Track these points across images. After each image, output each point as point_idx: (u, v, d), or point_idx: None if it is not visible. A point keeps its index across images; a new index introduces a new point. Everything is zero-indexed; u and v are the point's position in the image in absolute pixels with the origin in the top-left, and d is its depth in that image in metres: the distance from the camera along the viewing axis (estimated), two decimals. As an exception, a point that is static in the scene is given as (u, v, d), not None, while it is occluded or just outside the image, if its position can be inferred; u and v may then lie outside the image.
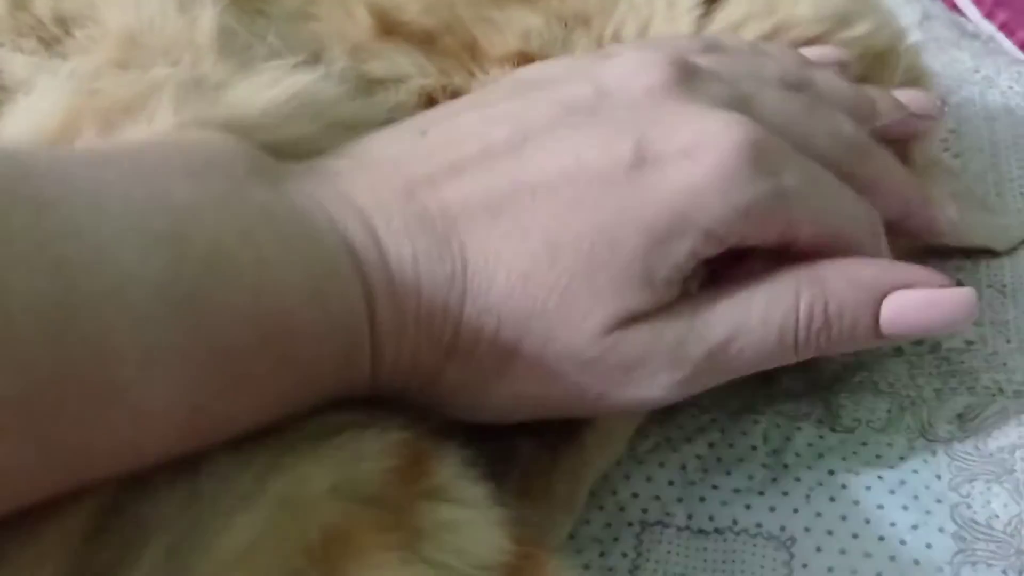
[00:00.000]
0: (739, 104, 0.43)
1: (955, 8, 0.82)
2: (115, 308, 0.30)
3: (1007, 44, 0.77)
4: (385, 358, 0.39)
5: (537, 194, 0.39)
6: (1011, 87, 0.72)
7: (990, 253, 0.62)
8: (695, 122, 0.40)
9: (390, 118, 0.45)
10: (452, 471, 0.37)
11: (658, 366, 0.40)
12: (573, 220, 0.39)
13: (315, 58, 0.46)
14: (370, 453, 0.36)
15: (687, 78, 0.43)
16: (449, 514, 0.36)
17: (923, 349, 0.57)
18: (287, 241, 0.36)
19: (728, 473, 0.49)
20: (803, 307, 0.40)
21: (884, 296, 0.41)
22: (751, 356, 0.41)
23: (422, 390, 0.41)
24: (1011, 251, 0.61)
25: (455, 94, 0.48)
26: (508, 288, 0.39)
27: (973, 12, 0.79)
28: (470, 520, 0.36)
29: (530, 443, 0.47)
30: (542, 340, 0.39)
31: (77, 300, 0.29)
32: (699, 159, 0.38)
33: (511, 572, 0.35)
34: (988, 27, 0.78)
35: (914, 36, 0.78)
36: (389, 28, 0.48)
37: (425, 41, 0.48)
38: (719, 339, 0.40)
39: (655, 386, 0.40)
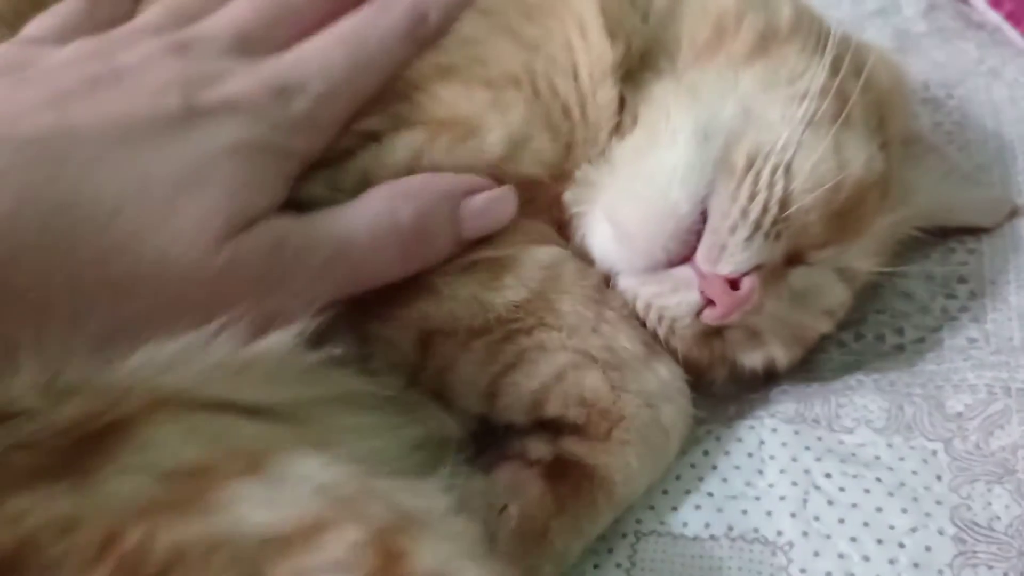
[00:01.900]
0: None
1: (961, -4, 0.81)
2: None
3: (1013, 34, 0.76)
4: None
5: None
6: (1017, 79, 0.72)
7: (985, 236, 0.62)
8: None
9: None
10: (434, 557, 0.34)
11: (283, 272, 0.44)
12: None
13: None
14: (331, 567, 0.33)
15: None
16: None
17: (924, 347, 0.57)
18: None
19: (724, 480, 0.49)
20: (403, 218, 0.46)
21: (461, 201, 0.48)
22: (369, 268, 0.47)
23: None
24: (1015, 245, 0.61)
25: None
26: None
27: (979, 1, 0.78)
28: None
29: (539, 486, 0.47)
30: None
31: None
32: None
33: None
34: (994, 16, 0.77)
35: (919, 27, 0.78)
36: None
37: None
38: (331, 251, 0.45)
39: (285, 295, 0.44)
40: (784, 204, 0.49)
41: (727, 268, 0.48)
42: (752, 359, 0.53)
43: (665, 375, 0.50)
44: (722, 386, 0.54)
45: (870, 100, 0.56)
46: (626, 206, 0.50)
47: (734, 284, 0.49)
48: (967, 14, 0.79)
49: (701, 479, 0.49)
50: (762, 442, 0.50)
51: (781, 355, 0.53)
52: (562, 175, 0.52)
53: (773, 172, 0.49)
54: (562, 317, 0.49)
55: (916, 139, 0.62)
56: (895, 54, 0.75)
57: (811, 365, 0.57)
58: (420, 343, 0.49)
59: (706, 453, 0.50)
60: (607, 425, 0.48)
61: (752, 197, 0.49)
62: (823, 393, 0.54)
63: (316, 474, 0.36)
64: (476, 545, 0.37)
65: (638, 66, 0.54)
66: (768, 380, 0.55)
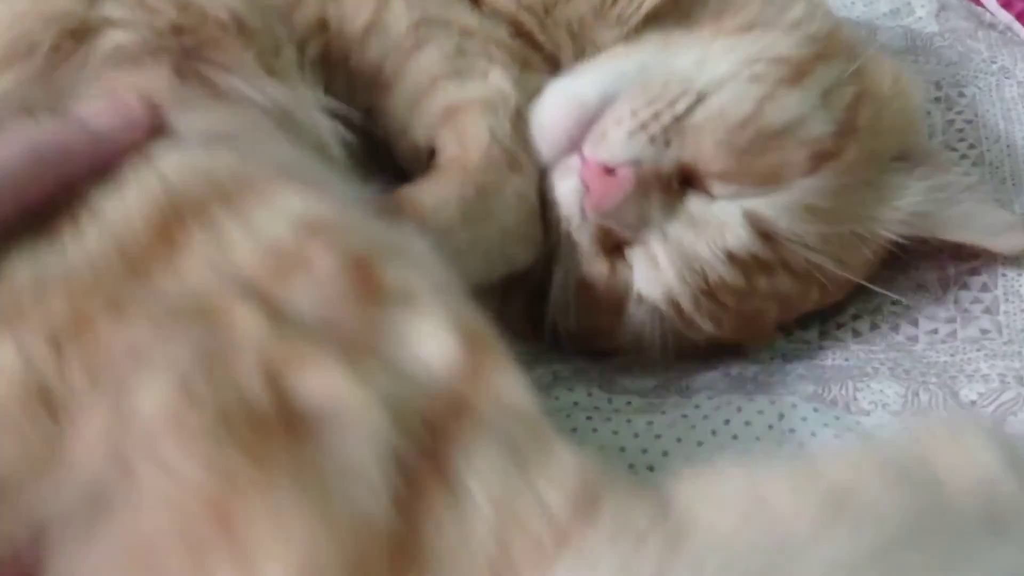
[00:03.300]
0: None
1: (973, -3, 0.81)
2: None
3: (1024, 34, 0.76)
4: None
5: None
6: (1028, 77, 0.72)
7: None
8: None
9: None
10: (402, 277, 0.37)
11: None
12: None
13: None
14: None
15: None
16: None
17: (937, 338, 0.57)
18: None
19: (745, 452, 0.48)
20: None
21: None
22: None
23: None
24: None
25: None
26: None
27: (990, 1, 0.79)
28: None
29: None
30: None
31: None
32: None
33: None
34: (1005, 16, 0.78)
35: (931, 27, 0.79)
36: None
37: None
38: None
39: None
40: (680, 120, 0.51)
41: (604, 154, 0.51)
42: (652, 289, 0.53)
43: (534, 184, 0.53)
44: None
45: (850, 90, 0.55)
46: (547, 98, 0.53)
47: (612, 173, 0.51)
48: (979, 14, 0.80)
49: (722, 447, 0.49)
50: (782, 415, 0.50)
51: (680, 293, 0.52)
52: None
53: (683, 93, 0.52)
54: (526, 69, 0.54)
55: (923, 153, 0.59)
56: (907, 53, 0.76)
57: (826, 352, 0.57)
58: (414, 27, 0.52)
59: (727, 421, 0.50)
60: (459, 172, 0.50)
61: (649, 104, 0.51)
62: (840, 378, 0.53)
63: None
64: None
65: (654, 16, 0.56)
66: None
